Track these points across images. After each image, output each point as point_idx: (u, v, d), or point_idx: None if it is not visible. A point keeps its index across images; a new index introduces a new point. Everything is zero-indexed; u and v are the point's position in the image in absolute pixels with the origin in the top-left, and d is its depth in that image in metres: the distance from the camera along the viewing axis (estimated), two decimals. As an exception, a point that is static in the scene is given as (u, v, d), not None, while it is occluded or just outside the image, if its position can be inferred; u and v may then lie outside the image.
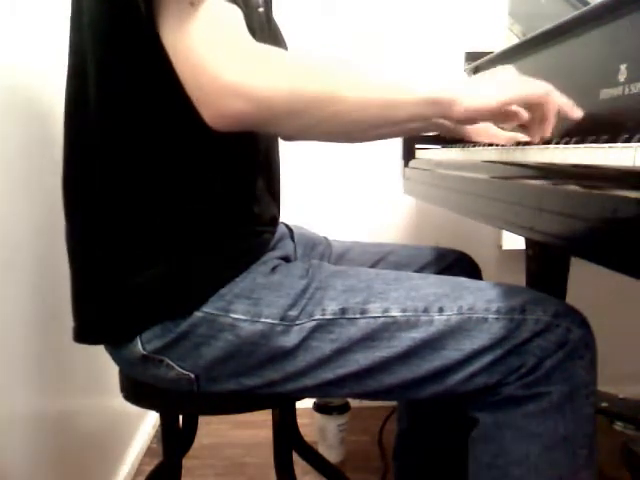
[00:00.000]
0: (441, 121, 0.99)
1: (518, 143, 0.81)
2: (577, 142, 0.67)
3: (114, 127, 0.66)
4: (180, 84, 0.59)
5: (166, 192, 0.67)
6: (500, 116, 0.70)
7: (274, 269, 0.71)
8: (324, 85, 0.60)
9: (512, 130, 0.87)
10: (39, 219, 0.97)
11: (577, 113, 0.67)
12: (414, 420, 1.00)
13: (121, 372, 0.78)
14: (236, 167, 0.71)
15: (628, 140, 0.59)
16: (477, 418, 0.67)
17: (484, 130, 0.92)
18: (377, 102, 0.62)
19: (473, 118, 0.67)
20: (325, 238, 0.99)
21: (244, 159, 0.72)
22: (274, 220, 0.80)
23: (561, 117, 0.68)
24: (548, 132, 0.68)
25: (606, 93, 0.74)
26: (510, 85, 0.66)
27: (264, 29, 0.77)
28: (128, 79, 0.65)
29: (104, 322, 0.70)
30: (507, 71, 0.67)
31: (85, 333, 0.72)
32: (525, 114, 0.69)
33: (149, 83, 0.64)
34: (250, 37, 0.59)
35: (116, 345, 0.71)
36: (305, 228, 0.99)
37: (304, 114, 0.60)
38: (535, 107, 0.67)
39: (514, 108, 0.69)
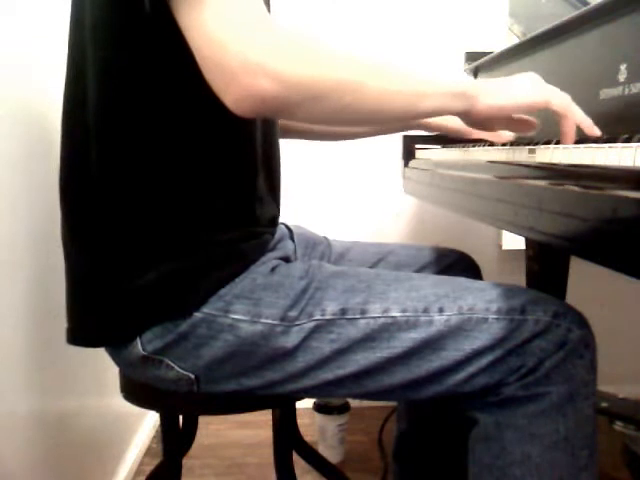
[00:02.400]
0: (451, 124, 1.00)
1: (518, 143, 0.81)
2: (577, 142, 0.67)
3: (112, 127, 0.66)
4: (188, 76, 0.57)
5: (166, 193, 0.67)
6: (515, 123, 0.71)
7: (274, 269, 0.71)
8: (351, 71, 0.59)
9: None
10: (40, 219, 0.97)
11: (596, 132, 0.67)
12: (414, 421, 1.00)
13: (121, 372, 0.78)
14: (236, 168, 0.71)
15: (628, 140, 0.59)
16: (477, 418, 0.67)
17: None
18: (403, 92, 0.62)
19: (494, 115, 0.67)
20: (325, 238, 0.99)
21: (244, 160, 0.72)
22: (274, 220, 0.80)
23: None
24: (569, 141, 0.68)
25: (606, 93, 0.74)
26: (534, 89, 0.67)
27: None
28: (128, 77, 0.64)
29: (103, 325, 0.69)
30: (531, 74, 0.68)
31: (82, 336, 0.72)
32: (534, 124, 0.70)
33: (151, 80, 0.64)
34: (271, 18, 0.57)
35: (116, 346, 0.71)
36: (305, 228, 0.98)
37: (328, 99, 0.58)
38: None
39: (528, 117, 0.70)
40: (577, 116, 0.66)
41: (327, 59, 0.59)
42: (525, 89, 0.67)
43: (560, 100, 0.66)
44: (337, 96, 0.59)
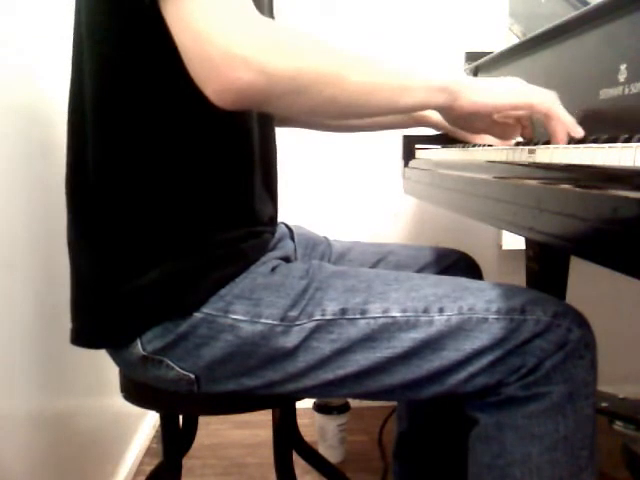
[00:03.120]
0: (435, 118, 1.00)
1: (518, 143, 0.81)
2: (577, 142, 0.67)
3: (109, 127, 0.66)
4: (183, 73, 0.57)
5: (164, 192, 0.67)
6: (498, 125, 0.72)
7: (274, 269, 0.71)
8: (332, 64, 0.59)
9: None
10: (41, 220, 0.97)
11: (579, 132, 0.67)
12: (414, 421, 1.00)
13: (121, 372, 0.78)
14: (234, 166, 0.71)
15: (628, 140, 0.59)
16: (477, 418, 0.67)
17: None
18: (385, 86, 0.62)
19: (476, 112, 0.67)
20: (325, 238, 0.99)
21: (242, 158, 0.72)
22: (272, 220, 0.80)
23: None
24: (561, 142, 0.68)
25: (606, 93, 0.74)
26: (518, 90, 0.67)
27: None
28: (124, 74, 0.64)
29: (104, 326, 0.69)
30: (516, 79, 0.69)
31: (83, 336, 0.72)
32: (519, 130, 0.71)
33: (147, 77, 0.64)
34: (256, 10, 0.57)
35: (116, 347, 0.71)
36: (305, 228, 0.99)
37: (309, 92, 0.58)
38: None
39: (514, 116, 0.70)
40: (559, 116, 0.67)
41: (309, 52, 0.58)
42: (508, 90, 0.67)
43: (542, 101, 0.67)
44: (318, 89, 0.58)
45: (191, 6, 0.54)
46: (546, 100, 0.67)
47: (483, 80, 0.68)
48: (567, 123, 0.67)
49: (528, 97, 0.67)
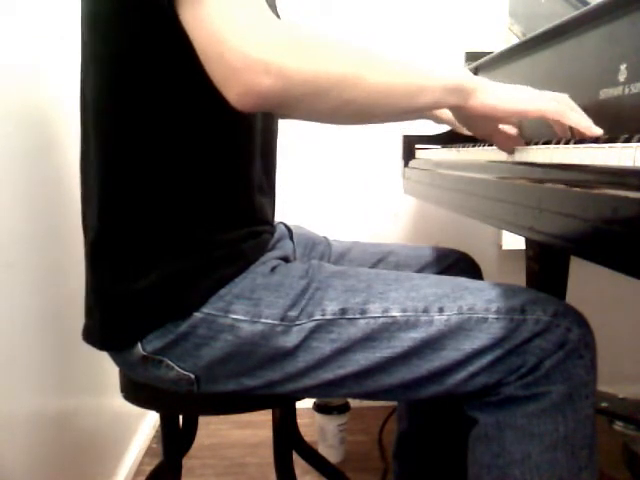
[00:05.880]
0: (445, 116, 0.99)
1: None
2: (577, 142, 0.67)
3: (109, 126, 0.66)
4: (186, 74, 0.57)
5: (164, 195, 0.67)
6: (499, 134, 0.72)
7: (274, 269, 0.71)
8: (351, 65, 0.59)
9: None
10: (41, 220, 0.97)
11: (596, 132, 0.66)
12: (414, 421, 1.00)
13: (121, 372, 0.78)
14: (234, 168, 0.71)
15: (628, 140, 0.59)
16: (477, 418, 0.67)
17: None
18: (403, 87, 0.62)
19: (486, 114, 0.67)
20: (325, 238, 0.99)
21: (243, 160, 0.72)
22: (271, 218, 0.80)
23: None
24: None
25: (606, 93, 0.74)
26: (530, 97, 0.67)
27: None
28: (124, 70, 0.64)
29: (107, 330, 0.70)
30: (527, 87, 0.68)
31: (91, 336, 0.73)
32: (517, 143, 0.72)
33: (148, 74, 0.64)
34: (272, 14, 0.57)
35: (118, 349, 0.71)
36: (305, 228, 0.98)
37: (329, 94, 0.58)
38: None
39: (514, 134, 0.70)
40: (572, 121, 0.66)
41: (327, 54, 0.59)
42: (520, 96, 0.67)
43: (554, 110, 0.66)
44: (337, 91, 0.58)
45: (209, 12, 0.54)
46: (558, 108, 0.66)
47: (496, 83, 0.68)
48: (582, 127, 0.66)
49: (539, 105, 0.66)
